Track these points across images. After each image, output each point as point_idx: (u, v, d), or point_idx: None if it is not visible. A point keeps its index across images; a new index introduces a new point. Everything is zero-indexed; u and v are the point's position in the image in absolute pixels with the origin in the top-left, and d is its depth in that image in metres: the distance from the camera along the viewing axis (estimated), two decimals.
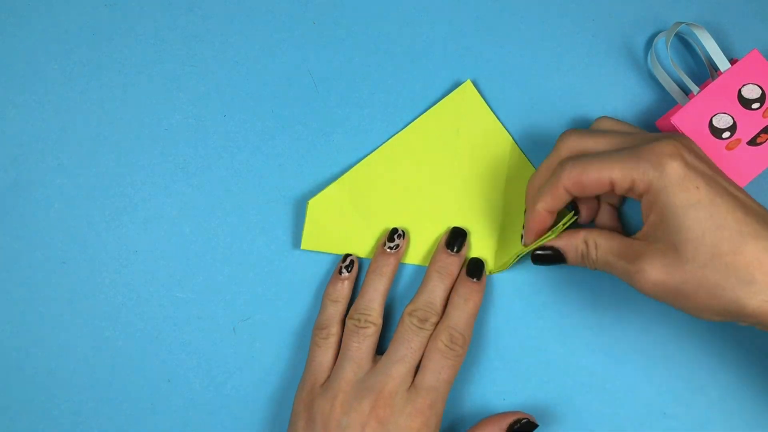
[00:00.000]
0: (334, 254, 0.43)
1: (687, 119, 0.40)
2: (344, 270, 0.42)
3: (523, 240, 0.40)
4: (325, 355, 0.40)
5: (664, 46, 0.44)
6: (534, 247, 0.39)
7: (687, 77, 0.41)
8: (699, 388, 0.42)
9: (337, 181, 0.43)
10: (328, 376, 0.40)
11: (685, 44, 0.45)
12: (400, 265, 0.43)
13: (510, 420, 0.40)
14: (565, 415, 0.43)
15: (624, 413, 0.42)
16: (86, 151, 0.44)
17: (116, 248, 0.43)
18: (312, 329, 0.42)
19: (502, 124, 0.44)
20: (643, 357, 0.43)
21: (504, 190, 0.43)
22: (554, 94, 0.44)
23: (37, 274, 0.43)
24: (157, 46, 0.44)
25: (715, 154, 0.40)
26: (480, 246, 0.43)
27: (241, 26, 0.45)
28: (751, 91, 0.40)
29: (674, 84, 0.42)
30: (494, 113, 0.44)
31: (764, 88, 0.40)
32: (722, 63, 0.41)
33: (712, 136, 0.40)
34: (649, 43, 0.44)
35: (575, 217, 0.39)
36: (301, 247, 0.43)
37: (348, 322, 0.40)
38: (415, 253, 0.43)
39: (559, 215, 0.40)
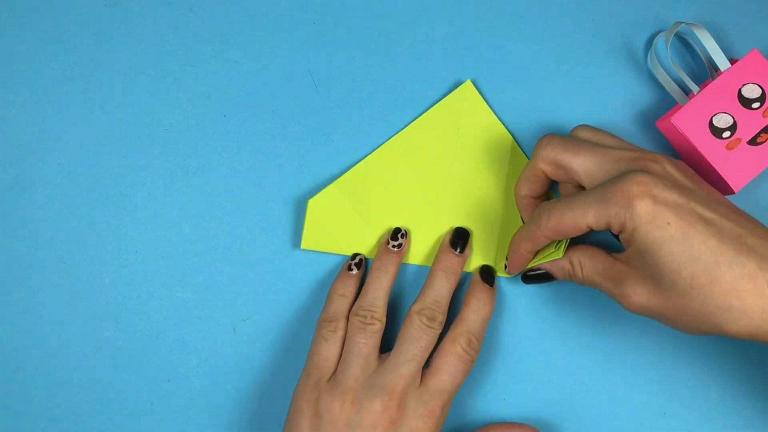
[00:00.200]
0: (334, 254, 0.43)
1: (687, 119, 0.40)
2: (353, 267, 0.42)
3: (507, 269, 0.42)
4: (331, 349, 0.40)
5: (664, 46, 0.44)
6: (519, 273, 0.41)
7: (687, 77, 0.41)
8: (699, 388, 0.42)
9: (337, 180, 0.43)
10: (334, 372, 0.39)
11: (685, 44, 0.45)
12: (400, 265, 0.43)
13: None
14: (565, 415, 0.43)
15: (624, 413, 0.42)
16: (86, 151, 0.44)
17: (116, 248, 0.43)
18: (317, 322, 0.41)
19: (503, 124, 0.44)
20: (643, 357, 0.43)
21: (504, 190, 0.43)
22: (554, 94, 0.44)
23: (37, 274, 0.43)
24: (157, 46, 0.44)
25: (715, 154, 0.40)
26: (480, 246, 0.43)
27: (241, 26, 0.45)
28: (751, 91, 0.40)
29: (674, 84, 0.42)
30: (494, 113, 0.44)
31: (764, 88, 0.40)
32: (722, 63, 0.41)
33: (712, 136, 0.40)
34: (649, 43, 0.44)
35: (558, 255, 0.39)
36: (301, 247, 0.43)
37: (353, 318, 0.40)
38: (416, 252, 0.43)
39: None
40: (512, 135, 0.44)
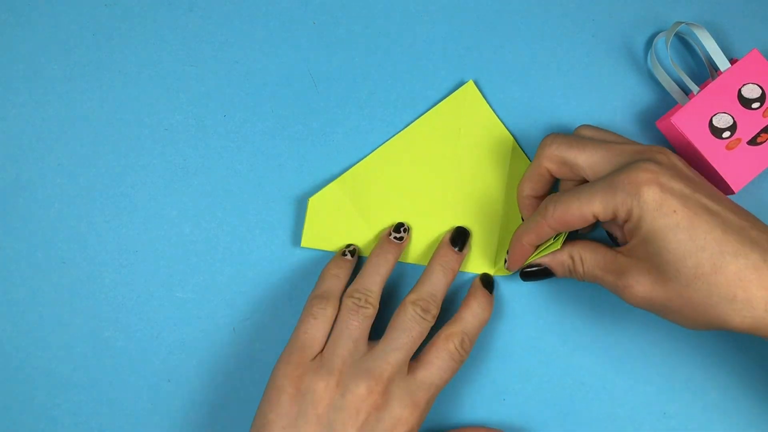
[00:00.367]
0: (334, 253, 0.43)
1: (687, 119, 0.40)
2: (347, 253, 0.42)
3: (506, 264, 0.41)
4: (319, 328, 0.39)
5: (664, 46, 0.44)
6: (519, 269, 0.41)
7: (687, 77, 0.41)
8: (699, 388, 0.42)
9: (338, 178, 0.43)
10: (319, 353, 0.39)
11: (685, 44, 0.45)
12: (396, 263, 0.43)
13: None
14: (565, 415, 0.43)
15: (624, 413, 0.42)
16: (86, 151, 0.44)
17: (116, 248, 0.43)
18: (307, 299, 0.40)
19: (503, 125, 0.44)
20: (643, 357, 0.43)
21: (505, 190, 0.43)
22: (554, 94, 0.44)
23: (37, 274, 0.43)
24: (157, 46, 0.44)
25: (715, 154, 0.40)
26: (480, 246, 0.43)
27: (241, 26, 0.45)
28: (751, 91, 0.40)
29: (674, 84, 0.42)
30: (495, 113, 0.44)
31: (764, 88, 0.40)
32: (722, 63, 0.41)
33: (712, 136, 0.40)
34: (649, 43, 0.44)
35: (557, 247, 0.39)
36: (302, 245, 0.43)
37: (346, 299, 0.39)
38: (415, 251, 0.43)
39: None
40: (512, 134, 0.44)
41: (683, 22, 0.41)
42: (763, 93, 0.40)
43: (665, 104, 0.44)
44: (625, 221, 0.35)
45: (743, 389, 0.42)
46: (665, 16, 0.44)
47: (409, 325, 0.39)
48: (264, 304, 0.43)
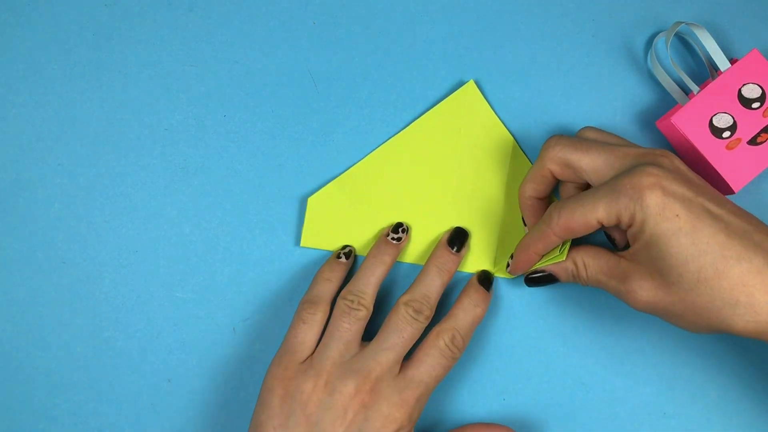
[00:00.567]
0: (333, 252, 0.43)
1: (687, 119, 0.40)
2: (342, 255, 0.42)
3: (509, 268, 0.42)
4: (308, 333, 0.39)
5: (664, 46, 0.44)
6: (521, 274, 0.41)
7: (687, 77, 0.41)
8: (699, 388, 0.42)
9: (337, 178, 0.43)
10: (309, 356, 0.39)
11: (685, 44, 0.45)
12: (395, 263, 0.43)
13: None
14: (565, 415, 0.43)
15: (624, 413, 0.42)
16: (86, 151, 0.44)
17: (116, 248, 0.43)
18: (299, 304, 0.40)
19: (504, 125, 0.44)
20: (643, 357, 0.43)
21: (505, 191, 0.43)
22: (554, 94, 0.44)
23: (37, 274, 0.43)
24: (157, 46, 0.44)
25: (715, 154, 0.40)
26: (480, 246, 0.43)
27: (241, 26, 0.45)
28: (751, 91, 0.40)
29: (674, 84, 0.42)
30: (495, 113, 0.44)
31: (764, 88, 0.40)
32: (722, 63, 0.41)
33: (712, 136, 0.40)
34: (649, 43, 0.44)
35: (561, 258, 0.39)
36: (301, 244, 0.43)
37: (340, 301, 0.39)
38: (413, 251, 0.43)
39: None
40: (512, 134, 0.44)
41: (683, 22, 0.41)
42: (763, 93, 0.40)
43: (665, 104, 0.44)
44: (629, 226, 0.35)
45: (743, 389, 0.42)
46: (665, 16, 0.44)
47: (400, 326, 0.39)
48: (264, 304, 0.43)
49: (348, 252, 0.42)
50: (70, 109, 0.44)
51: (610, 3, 0.45)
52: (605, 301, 0.43)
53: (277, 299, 0.43)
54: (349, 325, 0.39)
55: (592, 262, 0.38)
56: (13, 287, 0.43)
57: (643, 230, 0.34)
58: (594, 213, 0.35)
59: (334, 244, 0.43)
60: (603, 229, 0.41)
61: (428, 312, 0.39)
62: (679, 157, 0.43)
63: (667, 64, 0.44)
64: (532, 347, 0.43)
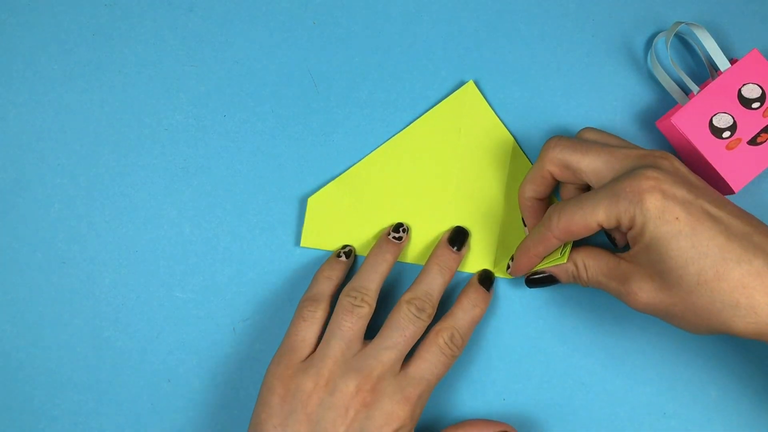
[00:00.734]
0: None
1: (687, 119, 0.40)
2: (342, 254, 0.42)
3: (509, 270, 0.42)
4: (309, 331, 0.39)
5: (664, 46, 0.44)
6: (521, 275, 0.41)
7: (687, 77, 0.41)
8: (699, 388, 0.42)
9: (337, 178, 0.43)
10: (309, 354, 0.39)
11: (685, 44, 0.45)
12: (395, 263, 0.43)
13: (496, 429, 0.40)
14: (565, 415, 0.43)
15: (624, 413, 0.42)
16: (86, 151, 0.44)
17: (116, 248, 0.43)
18: (299, 302, 0.40)
19: (504, 125, 0.44)
20: (643, 357, 0.43)
21: (505, 191, 0.43)
22: (554, 94, 0.44)
23: (37, 274, 0.43)
24: (157, 46, 0.44)
25: (715, 154, 0.40)
26: (480, 247, 0.43)
27: (241, 26, 0.45)
28: (751, 91, 0.40)
29: (674, 84, 0.42)
30: (495, 113, 0.44)
31: (764, 88, 0.40)
32: (722, 63, 0.41)
33: (712, 136, 0.40)
34: (649, 43, 0.44)
35: (563, 261, 0.39)
36: (301, 245, 0.43)
37: (343, 298, 0.39)
38: (414, 251, 0.43)
39: None
40: (512, 135, 0.44)
41: (683, 22, 0.41)
42: (763, 93, 0.40)
43: (665, 104, 0.44)
44: (629, 228, 0.35)
45: (743, 389, 0.42)
46: (665, 16, 0.44)
47: (402, 324, 0.38)
48: (264, 304, 0.43)
49: (348, 251, 0.42)
50: (70, 109, 0.44)
51: (610, 3, 0.45)
52: (605, 301, 0.43)
53: (277, 299, 0.43)
54: (351, 324, 0.38)
55: (592, 264, 0.38)
56: (13, 287, 0.43)
57: (643, 233, 0.34)
58: (594, 216, 0.35)
59: (334, 244, 0.43)
60: (603, 230, 0.41)
61: (430, 310, 0.39)
62: (679, 158, 0.43)
63: (667, 64, 0.44)
64: (532, 347, 0.43)
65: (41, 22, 0.44)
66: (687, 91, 0.42)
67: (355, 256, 0.43)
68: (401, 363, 0.38)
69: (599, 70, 0.44)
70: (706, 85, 0.42)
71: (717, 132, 0.40)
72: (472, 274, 0.43)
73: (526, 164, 0.44)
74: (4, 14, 0.44)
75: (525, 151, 0.44)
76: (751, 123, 0.40)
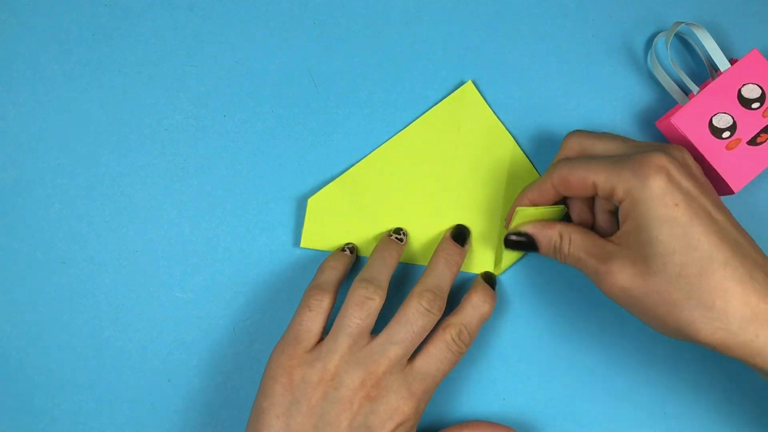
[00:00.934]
0: None
1: (687, 119, 0.40)
2: (346, 249, 0.42)
3: (506, 223, 0.42)
4: (314, 321, 0.38)
5: (664, 46, 0.44)
6: (513, 226, 0.40)
7: (687, 77, 0.41)
8: (699, 388, 0.42)
9: (337, 179, 0.43)
10: (314, 344, 0.38)
11: (685, 44, 0.45)
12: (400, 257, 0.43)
13: None
14: (565, 415, 0.43)
15: (624, 413, 0.42)
16: (86, 151, 0.44)
17: (116, 248, 0.43)
18: (305, 291, 0.40)
19: (503, 125, 0.44)
20: (643, 357, 0.43)
21: (504, 191, 0.43)
22: (554, 94, 0.44)
23: (37, 274, 0.43)
24: (157, 46, 0.44)
25: (715, 154, 0.40)
26: (481, 246, 0.43)
27: (241, 26, 0.45)
28: (751, 91, 0.40)
29: (674, 84, 0.42)
30: (495, 113, 0.44)
31: (764, 88, 0.40)
32: (722, 63, 0.41)
33: (712, 136, 0.40)
34: (649, 43, 0.44)
35: (564, 211, 0.40)
36: (301, 245, 0.43)
37: (355, 288, 0.38)
38: (414, 252, 0.43)
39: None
40: (511, 134, 0.44)
41: (683, 22, 0.41)
42: (763, 93, 0.40)
43: (665, 104, 0.44)
44: (620, 201, 0.34)
45: (743, 389, 0.42)
46: (665, 16, 0.44)
47: (412, 319, 0.38)
48: (264, 304, 0.43)
49: (352, 248, 0.42)
50: (70, 109, 0.44)
51: (610, 3, 0.45)
52: (605, 301, 0.43)
53: (277, 299, 0.43)
54: (361, 320, 0.38)
55: (577, 238, 0.37)
56: (13, 287, 0.43)
57: (635, 210, 0.34)
58: (594, 174, 0.35)
59: (334, 245, 0.43)
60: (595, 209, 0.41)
61: (441, 303, 0.39)
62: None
63: (667, 64, 0.44)
64: (532, 347, 0.43)
65: (41, 22, 0.44)
66: (687, 91, 0.42)
67: (358, 254, 0.43)
68: (408, 358, 0.38)
69: (599, 70, 0.44)
70: (706, 85, 0.42)
71: (717, 132, 0.40)
72: (474, 274, 0.43)
73: (525, 164, 0.44)
74: (4, 14, 0.44)
75: (525, 151, 0.44)
76: (751, 123, 0.40)
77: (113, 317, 0.43)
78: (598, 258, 0.36)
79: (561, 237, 0.38)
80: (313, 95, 0.44)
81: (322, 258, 0.43)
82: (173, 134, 0.44)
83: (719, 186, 0.41)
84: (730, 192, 0.41)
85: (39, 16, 0.44)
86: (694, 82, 0.43)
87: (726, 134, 0.40)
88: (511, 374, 0.43)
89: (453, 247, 0.41)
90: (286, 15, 0.45)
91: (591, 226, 0.40)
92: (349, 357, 0.37)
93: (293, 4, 0.45)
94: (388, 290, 0.39)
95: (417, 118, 0.44)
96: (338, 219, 0.43)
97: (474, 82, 0.44)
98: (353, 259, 0.42)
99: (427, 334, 0.39)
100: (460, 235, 0.42)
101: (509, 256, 0.43)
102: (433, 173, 0.43)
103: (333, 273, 0.40)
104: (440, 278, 0.40)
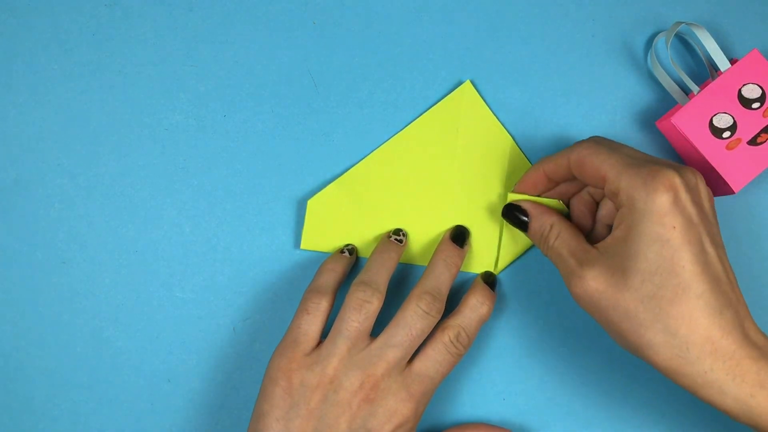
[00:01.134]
0: None
1: (687, 119, 0.40)
2: (346, 251, 0.42)
3: (514, 188, 0.41)
4: (312, 324, 0.39)
5: (664, 46, 0.44)
6: (515, 198, 0.41)
7: (687, 77, 0.41)
8: None
9: (336, 180, 0.43)
10: (313, 347, 0.38)
11: (685, 44, 0.45)
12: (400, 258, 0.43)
13: None
14: (565, 415, 0.43)
15: (624, 413, 0.42)
16: (86, 151, 0.44)
17: (116, 248, 0.43)
18: (304, 293, 0.40)
19: (502, 124, 0.44)
20: None
21: (503, 191, 0.43)
22: (554, 94, 0.44)
23: (37, 274, 0.43)
24: (157, 46, 0.44)
25: (715, 154, 0.40)
26: (481, 246, 0.43)
27: (241, 26, 0.45)
28: (751, 91, 0.40)
29: (674, 84, 0.42)
30: (494, 113, 0.44)
31: (764, 88, 0.40)
32: (722, 63, 0.41)
33: (712, 136, 0.40)
34: (649, 43, 0.44)
35: (564, 208, 0.40)
36: (301, 247, 0.43)
37: (353, 292, 0.39)
38: (414, 252, 0.43)
39: None
40: (511, 135, 0.44)
41: (683, 22, 0.41)
42: (763, 93, 0.40)
43: (665, 104, 0.44)
44: (621, 205, 0.35)
45: None
46: (665, 16, 0.44)
47: (410, 322, 0.38)
48: (264, 304, 0.43)
49: (351, 249, 0.42)
50: (70, 109, 0.44)
51: (610, 3, 0.45)
52: None
53: (277, 299, 0.43)
54: (359, 323, 0.38)
55: (565, 235, 0.38)
56: (13, 287, 0.43)
57: (631, 220, 0.34)
58: (609, 167, 0.35)
59: (334, 247, 0.43)
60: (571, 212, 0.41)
61: (440, 305, 0.39)
62: (677, 159, 0.43)
63: (667, 64, 0.44)
64: (532, 347, 0.43)
65: (41, 22, 0.44)
66: (687, 91, 0.42)
67: (357, 256, 0.43)
68: (407, 360, 0.38)
69: (599, 70, 0.44)
70: (706, 85, 0.42)
71: (717, 132, 0.40)
72: (474, 274, 0.43)
73: (524, 164, 0.44)
74: (4, 14, 0.44)
75: (524, 151, 0.44)
76: (751, 123, 0.40)
77: (113, 317, 0.43)
78: (577, 260, 0.36)
79: (551, 228, 0.38)
80: (313, 95, 0.44)
81: (322, 258, 0.43)
82: (173, 134, 0.44)
83: (719, 186, 0.41)
84: (730, 192, 0.41)
85: (39, 16, 0.44)
86: (694, 82, 0.43)
87: (726, 134, 0.40)
88: (511, 374, 0.43)
89: (452, 248, 0.41)
90: (286, 15, 0.45)
91: (588, 232, 0.40)
92: (348, 360, 0.37)
93: (293, 4, 0.45)
94: (388, 291, 0.39)
95: (417, 118, 0.44)
96: (338, 220, 0.43)
97: (473, 82, 0.44)
98: (353, 261, 0.42)
99: (425, 336, 0.39)
100: (459, 236, 0.42)
101: (508, 254, 0.43)
102: (431, 173, 0.43)
103: (331, 275, 0.41)
104: (439, 280, 0.40)
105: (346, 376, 0.37)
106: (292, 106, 0.44)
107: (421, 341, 0.39)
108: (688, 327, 0.33)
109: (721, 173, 0.40)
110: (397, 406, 0.37)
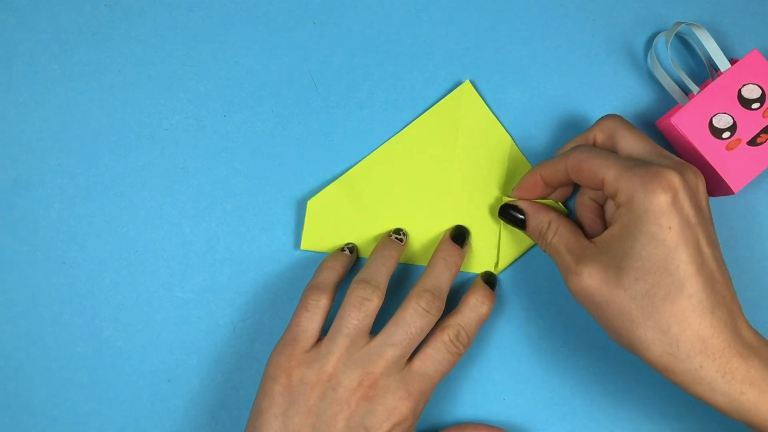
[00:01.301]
0: None
1: (687, 119, 0.40)
2: (346, 249, 0.42)
3: (512, 192, 0.42)
4: (312, 321, 0.39)
5: (664, 46, 0.44)
6: (512, 200, 0.41)
7: (687, 77, 0.41)
8: None
9: (336, 180, 0.43)
10: (313, 344, 0.38)
11: (685, 44, 0.45)
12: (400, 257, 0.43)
13: None
14: (565, 415, 0.43)
15: (624, 413, 0.42)
16: (86, 151, 0.44)
17: (116, 248, 0.43)
18: (303, 291, 0.40)
19: (502, 124, 0.44)
20: None
21: (502, 191, 0.43)
22: (554, 94, 0.44)
23: (37, 274, 0.43)
24: (157, 46, 0.44)
25: (715, 155, 0.40)
26: (480, 246, 0.43)
27: (241, 26, 0.45)
28: (751, 91, 0.40)
29: (674, 84, 0.42)
30: (493, 113, 0.44)
31: (764, 88, 0.40)
32: (722, 63, 0.41)
33: (712, 136, 0.40)
34: (649, 43, 0.44)
35: (561, 206, 0.40)
36: (301, 248, 0.43)
37: (353, 289, 0.39)
38: (414, 252, 0.43)
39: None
40: (511, 135, 0.44)
41: (683, 22, 0.41)
42: (763, 93, 0.40)
43: (665, 104, 0.44)
44: (620, 204, 0.35)
45: None
46: (665, 16, 0.44)
47: (410, 320, 0.38)
48: (264, 304, 0.43)
49: (351, 248, 0.42)
50: (70, 109, 0.44)
51: (610, 3, 0.45)
52: None
53: (277, 299, 0.43)
54: (359, 321, 0.38)
55: (564, 232, 0.38)
56: (13, 287, 0.43)
57: (629, 219, 0.34)
58: (606, 170, 0.35)
59: (334, 247, 0.43)
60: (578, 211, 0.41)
61: (439, 304, 0.39)
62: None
63: (667, 64, 0.44)
64: (532, 347, 0.43)
65: (41, 22, 0.44)
66: (687, 91, 0.42)
67: (358, 255, 0.43)
68: (406, 359, 0.38)
69: (599, 70, 0.44)
70: (706, 86, 0.42)
71: (717, 132, 0.40)
72: (474, 274, 0.43)
73: (524, 164, 0.44)
74: (4, 14, 0.44)
75: (524, 151, 0.44)
76: (751, 123, 0.40)
77: (113, 317, 0.43)
78: (574, 256, 0.36)
79: (549, 224, 0.39)
80: (313, 95, 0.44)
81: (321, 258, 0.43)
82: (173, 134, 0.44)
83: (719, 186, 0.41)
84: (730, 192, 0.41)
85: (39, 16, 0.44)
86: (694, 82, 0.43)
87: (726, 134, 0.40)
88: (511, 374, 0.43)
89: (452, 248, 0.41)
90: (286, 15, 0.45)
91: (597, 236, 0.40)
92: (347, 358, 0.38)
93: (293, 4, 0.45)
94: (388, 290, 0.39)
95: (416, 118, 0.44)
96: (338, 220, 0.43)
97: (473, 82, 0.44)
98: (353, 259, 0.42)
99: (425, 335, 0.39)
100: (459, 236, 0.42)
101: (508, 254, 0.43)
102: (431, 173, 0.43)
103: (331, 273, 0.41)
104: (439, 279, 0.40)
105: (345, 373, 0.37)
106: (292, 106, 0.44)
107: (421, 340, 0.39)
108: (679, 325, 0.33)
109: (720, 173, 0.40)
110: (396, 404, 0.37)
